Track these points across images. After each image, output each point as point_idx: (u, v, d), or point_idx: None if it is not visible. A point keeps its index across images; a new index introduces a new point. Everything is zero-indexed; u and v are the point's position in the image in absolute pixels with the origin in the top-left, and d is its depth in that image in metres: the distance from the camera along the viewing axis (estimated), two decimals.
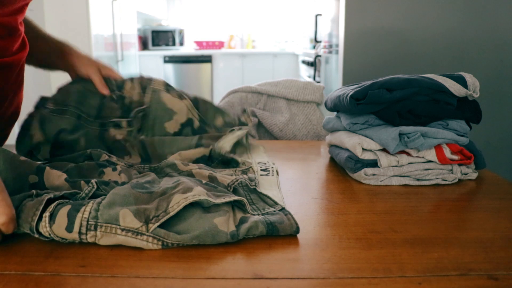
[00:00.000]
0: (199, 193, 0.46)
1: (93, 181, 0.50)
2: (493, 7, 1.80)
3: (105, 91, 0.76)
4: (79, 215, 0.43)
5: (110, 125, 0.74)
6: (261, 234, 0.45)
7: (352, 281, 0.37)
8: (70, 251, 0.42)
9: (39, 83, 2.76)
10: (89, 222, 0.42)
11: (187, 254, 0.42)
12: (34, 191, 0.45)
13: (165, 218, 0.43)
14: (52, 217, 0.42)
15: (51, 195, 0.45)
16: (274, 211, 0.50)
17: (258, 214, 0.48)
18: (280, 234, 0.45)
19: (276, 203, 0.52)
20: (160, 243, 0.43)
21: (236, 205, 0.50)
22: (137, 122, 0.74)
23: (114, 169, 0.59)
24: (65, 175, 0.51)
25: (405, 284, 0.37)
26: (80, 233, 0.42)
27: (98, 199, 0.45)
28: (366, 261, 0.40)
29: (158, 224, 0.43)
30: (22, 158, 0.51)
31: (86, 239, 0.42)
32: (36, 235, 0.42)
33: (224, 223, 0.44)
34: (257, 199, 0.53)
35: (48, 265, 0.39)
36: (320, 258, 0.41)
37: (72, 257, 0.41)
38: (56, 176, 0.51)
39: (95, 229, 0.42)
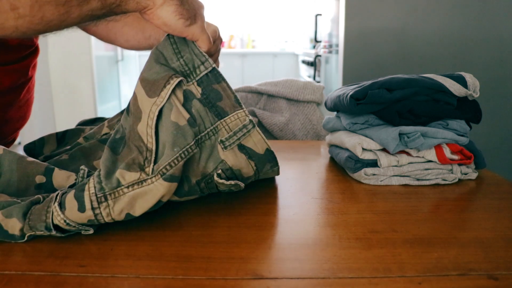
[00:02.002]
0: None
1: (82, 167, 0.51)
2: (493, 7, 1.80)
3: None
4: (86, 193, 0.44)
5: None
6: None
7: (352, 281, 0.37)
8: (70, 251, 0.42)
9: (42, 100, 2.75)
10: (98, 195, 0.43)
11: (187, 254, 0.42)
12: (40, 197, 0.45)
13: (153, 155, 0.45)
14: (61, 205, 0.43)
15: (59, 192, 0.45)
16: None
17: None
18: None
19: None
20: (159, 177, 0.44)
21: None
22: None
23: None
24: (74, 175, 0.52)
25: (405, 284, 0.37)
26: (93, 208, 0.43)
27: (96, 172, 0.46)
28: (366, 261, 0.40)
29: (153, 163, 0.45)
30: (30, 159, 0.51)
31: (101, 213, 0.43)
32: (54, 232, 0.43)
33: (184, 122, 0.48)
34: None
35: (48, 265, 0.39)
36: (320, 258, 0.41)
37: (72, 257, 0.41)
38: (65, 177, 0.51)
39: (106, 199, 0.43)
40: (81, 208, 0.43)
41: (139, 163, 0.46)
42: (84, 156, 0.58)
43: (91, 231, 0.45)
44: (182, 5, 0.47)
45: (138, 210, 0.45)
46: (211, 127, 0.48)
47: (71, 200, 0.43)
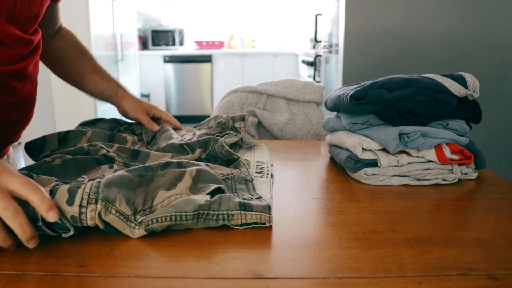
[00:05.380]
0: (181, 191, 0.50)
1: (84, 176, 0.51)
2: (492, 7, 1.80)
3: (155, 127, 0.87)
4: (80, 190, 0.44)
5: (121, 130, 0.84)
6: (234, 208, 0.47)
7: (352, 281, 0.37)
8: (70, 251, 0.42)
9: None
10: (91, 196, 0.44)
11: (187, 254, 0.42)
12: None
13: (149, 216, 0.46)
14: (52, 193, 0.44)
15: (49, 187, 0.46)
16: (251, 197, 0.52)
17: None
18: (253, 210, 0.47)
19: (256, 193, 0.55)
20: (142, 227, 0.45)
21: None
22: (146, 136, 0.83)
23: (111, 167, 0.59)
24: (54, 178, 0.52)
25: (405, 284, 0.37)
26: (80, 206, 0.43)
27: (97, 180, 0.46)
28: (366, 261, 0.40)
29: (144, 217, 0.47)
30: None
31: (86, 213, 0.43)
32: (40, 223, 0.42)
33: (200, 197, 0.48)
34: (241, 189, 0.56)
35: (48, 265, 0.39)
36: (320, 258, 0.41)
37: (72, 257, 0.41)
38: (45, 180, 0.51)
39: (96, 202, 0.44)
40: (70, 202, 0.43)
41: (135, 208, 0.48)
42: (76, 168, 0.58)
43: (71, 232, 0.44)
44: None
45: (114, 230, 0.46)
46: (226, 212, 0.47)
47: (63, 191, 0.44)
